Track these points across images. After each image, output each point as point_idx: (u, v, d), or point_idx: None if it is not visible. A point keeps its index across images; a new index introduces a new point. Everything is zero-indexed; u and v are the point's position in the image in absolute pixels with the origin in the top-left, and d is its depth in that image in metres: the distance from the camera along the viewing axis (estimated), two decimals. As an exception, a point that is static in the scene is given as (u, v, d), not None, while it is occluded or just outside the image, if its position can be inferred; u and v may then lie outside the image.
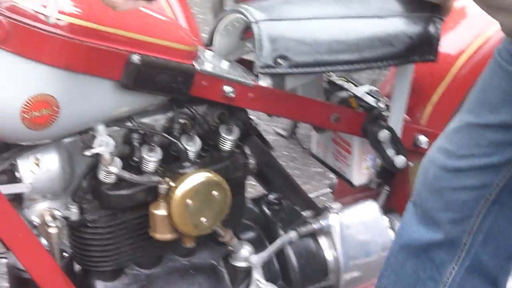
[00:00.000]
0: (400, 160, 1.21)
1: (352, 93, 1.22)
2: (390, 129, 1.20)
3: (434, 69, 1.27)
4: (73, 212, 0.99)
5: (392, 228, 1.32)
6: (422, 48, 1.16)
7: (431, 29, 1.16)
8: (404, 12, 1.15)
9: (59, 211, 0.97)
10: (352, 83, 1.25)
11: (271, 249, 1.16)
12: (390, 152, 1.21)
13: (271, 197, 1.24)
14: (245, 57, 1.13)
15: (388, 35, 1.12)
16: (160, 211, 1.00)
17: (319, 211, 1.24)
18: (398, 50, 1.13)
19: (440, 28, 1.17)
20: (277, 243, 1.15)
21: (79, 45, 0.88)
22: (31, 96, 0.86)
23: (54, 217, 0.96)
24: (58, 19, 0.82)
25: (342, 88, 1.25)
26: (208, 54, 1.06)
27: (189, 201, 0.99)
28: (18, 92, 0.87)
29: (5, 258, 1.00)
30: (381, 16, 1.14)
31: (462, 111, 0.98)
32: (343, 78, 1.28)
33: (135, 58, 0.91)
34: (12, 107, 0.86)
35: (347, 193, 1.22)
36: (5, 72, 0.86)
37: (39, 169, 0.95)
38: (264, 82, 1.09)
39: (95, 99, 0.95)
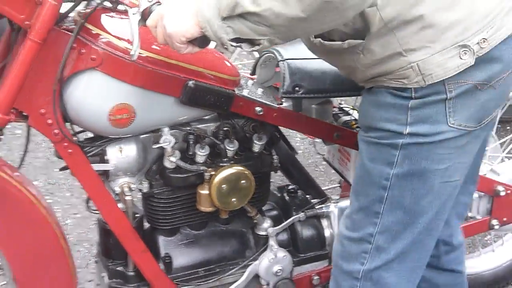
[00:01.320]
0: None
1: (354, 117, 1.55)
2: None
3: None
4: (145, 186, 1.37)
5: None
6: None
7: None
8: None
9: (134, 184, 1.35)
10: (356, 110, 1.55)
11: (284, 224, 1.49)
12: None
13: (290, 187, 1.60)
14: (276, 84, 1.45)
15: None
16: (204, 191, 1.36)
17: (324, 200, 1.57)
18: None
19: None
20: (289, 220, 1.50)
21: (152, 71, 1.21)
22: (115, 104, 1.21)
23: (130, 189, 1.33)
24: (139, 53, 1.09)
25: (347, 113, 1.59)
26: (249, 82, 1.42)
27: (224, 186, 1.34)
28: (107, 101, 1.20)
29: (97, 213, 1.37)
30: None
31: None
32: (350, 107, 1.63)
33: (191, 83, 1.24)
34: (102, 111, 1.20)
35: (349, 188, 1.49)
36: (98, 86, 1.21)
37: (121, 154, 1.31)
38: (286, 103, 1.42)
39: (161, 109, 1.29)
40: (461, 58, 1.00)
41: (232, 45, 0.98)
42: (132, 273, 1.42)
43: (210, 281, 1.45)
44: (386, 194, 1.11)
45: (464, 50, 1.00)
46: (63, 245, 1.28)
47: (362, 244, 1.16)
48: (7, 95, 1.10)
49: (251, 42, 0.98)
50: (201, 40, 1.00)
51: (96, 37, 1.17)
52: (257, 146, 1.40)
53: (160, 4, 1.03)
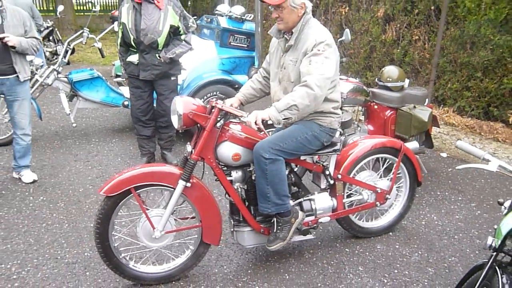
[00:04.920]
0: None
1: None
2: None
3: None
4: (244, 186, 2.70)
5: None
6: None
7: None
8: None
9: (241, 185, 2.68)
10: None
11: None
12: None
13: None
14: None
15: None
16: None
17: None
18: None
19: None
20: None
21: (245, 140, 2.58)
22: (234, 153, 2.54)
23: (238, 187, 2.68)
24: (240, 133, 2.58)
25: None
26: None
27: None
28: (231, 151, 2.55)
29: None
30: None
31: None
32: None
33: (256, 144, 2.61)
34: (228, 157, 2.55)
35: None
36: (228, 146, 2.56)
37: (236, 173, 2.69)
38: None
39: (249, 154, 2.61)
40: None
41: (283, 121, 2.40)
42: (242, 219, 2.71)
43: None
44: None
45: None
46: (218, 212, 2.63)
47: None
48: (197, 152, 2.48)
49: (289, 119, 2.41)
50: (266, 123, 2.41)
51: (227, 126, 2.56)
52: None
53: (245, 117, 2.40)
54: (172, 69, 4.17)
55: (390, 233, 3.29)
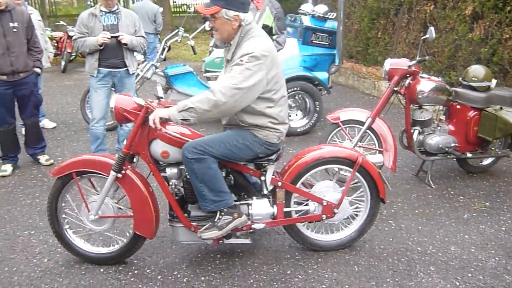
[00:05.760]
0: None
1: None
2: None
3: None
4: (180, 182, 2.65)
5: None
6: None
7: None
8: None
9: (176, 181, 2.63)
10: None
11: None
12: None
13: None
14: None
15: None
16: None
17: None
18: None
19: None
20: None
21: (173, 139, 2.51)
22: (162, 150, 2.58)
23: (174, 184, 2.62)
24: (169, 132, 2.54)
25: None
26: None
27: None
28: (159, 149, 2.58)
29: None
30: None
31: None
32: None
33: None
34: (157, 153, 2.58)
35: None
36: (157, 144, 2.58)
37: (171, 171, 2.62)
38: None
39: (177, 152, 2.54)
40: None
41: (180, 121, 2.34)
42: (176, 215, 2.63)
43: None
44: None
45: None
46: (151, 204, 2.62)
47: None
48: (126, 147, 2.56)
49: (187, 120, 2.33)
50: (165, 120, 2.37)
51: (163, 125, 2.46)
52: None
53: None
54: None
55: (466, 236, 3.08)
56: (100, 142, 4.21)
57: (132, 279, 2.61)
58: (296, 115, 5.35)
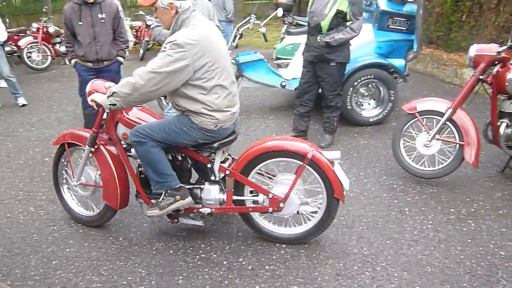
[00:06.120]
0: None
1: None
2: None
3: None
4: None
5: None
6: None
7: None
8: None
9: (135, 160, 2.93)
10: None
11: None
12: None
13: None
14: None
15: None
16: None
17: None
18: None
19: None
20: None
21: (133, 124, 2.76)
22: (122, 132, 2.89)
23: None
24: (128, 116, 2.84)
25: None
26: None
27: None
28: (120, 131, 2.90)
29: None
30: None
31: None
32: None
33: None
34: (119, 135, 2.88)
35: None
36: (120, 127, 2.90)
37: (133, 151, 2.82)
38: None
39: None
40: None
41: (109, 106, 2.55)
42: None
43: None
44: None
45: None
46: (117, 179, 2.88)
47: None
48: (95, 126, 2.88)
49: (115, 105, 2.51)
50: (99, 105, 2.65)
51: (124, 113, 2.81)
52: None
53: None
54: (331, 53, 4.08)
55: (560, 242, 2.76)
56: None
57: (199, 262, 2.68)
58: (369, 104, 5.12)
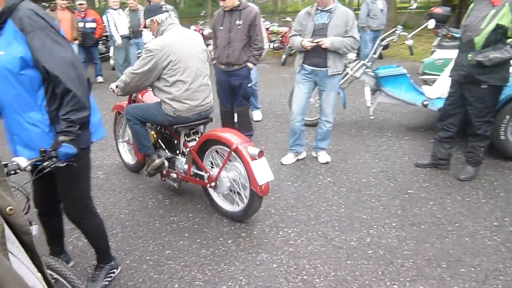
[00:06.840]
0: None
1: None
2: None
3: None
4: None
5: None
6: None
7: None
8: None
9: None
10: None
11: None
12: None
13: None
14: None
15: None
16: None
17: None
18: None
19: None
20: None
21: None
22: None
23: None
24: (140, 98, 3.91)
25: None
26: None
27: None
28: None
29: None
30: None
31: None
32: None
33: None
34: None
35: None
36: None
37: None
38: None
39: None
40: None
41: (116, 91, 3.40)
42: None
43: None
44: None
45: None
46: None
47: None
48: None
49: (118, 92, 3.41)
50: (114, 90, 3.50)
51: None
52: None
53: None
54: (483, 74, 3.47)
55: None
56: (296, 138, 4.31)
57: (300, 284, 2.56)
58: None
